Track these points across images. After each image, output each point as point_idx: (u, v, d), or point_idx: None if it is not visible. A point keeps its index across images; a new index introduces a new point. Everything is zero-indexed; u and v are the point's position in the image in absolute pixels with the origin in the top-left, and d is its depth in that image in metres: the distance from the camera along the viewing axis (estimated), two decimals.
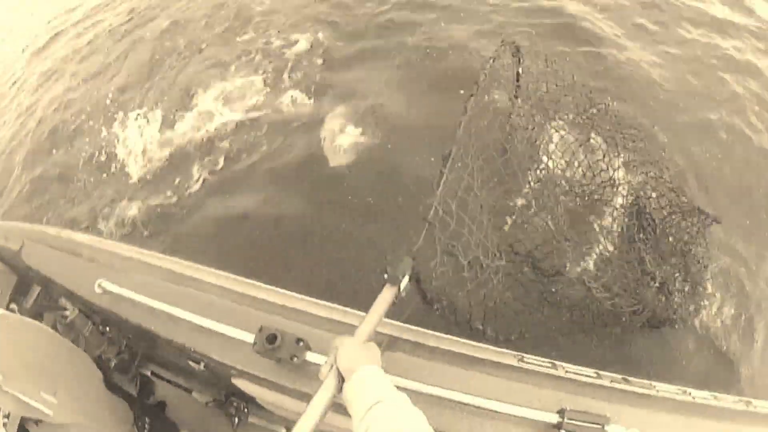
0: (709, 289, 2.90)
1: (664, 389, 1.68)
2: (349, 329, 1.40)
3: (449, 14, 5.00)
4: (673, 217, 2.41)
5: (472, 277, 1.66)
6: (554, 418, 1.43)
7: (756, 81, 4.46)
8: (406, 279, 1.45)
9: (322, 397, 1.22)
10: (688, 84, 4.35)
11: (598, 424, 1.42)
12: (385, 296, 1.44)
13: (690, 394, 1.70)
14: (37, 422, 1.64)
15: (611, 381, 1.65)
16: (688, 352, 2.74)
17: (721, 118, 4.05)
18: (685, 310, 2.45)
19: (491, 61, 2.18)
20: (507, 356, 1.63)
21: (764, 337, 2.90)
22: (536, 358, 1.66)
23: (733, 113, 4.11)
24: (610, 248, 2.46)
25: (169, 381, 2.29)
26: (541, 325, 2.14)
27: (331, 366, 1.26)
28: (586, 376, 1.64)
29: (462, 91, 3.69)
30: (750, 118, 4.10)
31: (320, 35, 5.07)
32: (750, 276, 3.10)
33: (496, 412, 1.44)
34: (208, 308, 1.70)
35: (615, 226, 2.52)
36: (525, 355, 1.65)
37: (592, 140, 2.36)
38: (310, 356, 1.47)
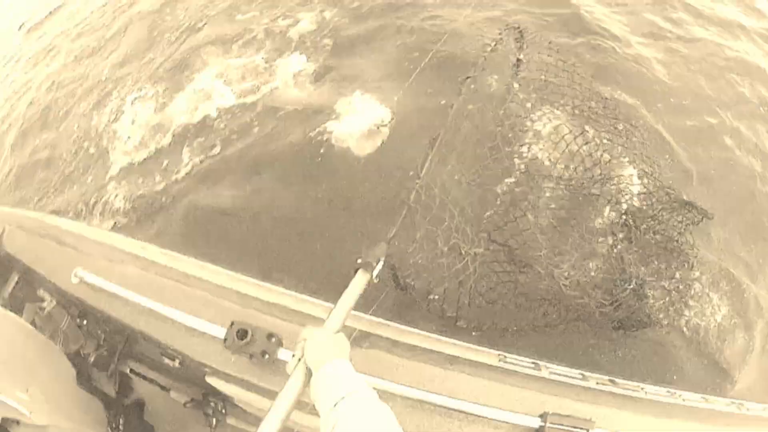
0: (699, 289, 2.83)
1: (653, 391, 1.64)
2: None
3: None
4: (663, 213, 2.35)
5: (450, 264, 1.61)
6: (536, 423, 1.38)
7: (764, 86, 4.35)
8: (380, 265, 1.40)
9: (289, 393, 1.17)
10: (695, 84, 4.24)
11: (582, 428, 1.37)
12: (357, 283, 1.38)
13: (680, 396, 1.66)
14: (17, 422, 1.57)
15: (597, 382, 1.60)
16: (679, 353, 2.68)
17: (727, 121, 3.96)
18: (670, 313, 2.40)
19: (493, 44, 2.13)
20: (487, 355, 1.57)
21: (760, 340, 2.83)
22: (518, 357, 1.61)
23: (739, 117, 4.02)
24: (590, 245, 2.40)
25: (149, 379, 2.24)
26: (515, 317, 2.10)
27: (299, 359, 1.21)
28: (571, 377, 1.59)
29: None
30: (756, 124, 4.01)
31: (326, 14, 4.93)
32: (748, 279, 3.03)
33: (474, 415, 1.39)
34: (183, 301, 1.64)
35: (599, 221, 2.46)
36: (507, 354, 1.60)
37: (587, 133, 2.28)
38: (282, 353, 1.42)
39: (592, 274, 2.20)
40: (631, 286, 2.10)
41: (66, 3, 6.82)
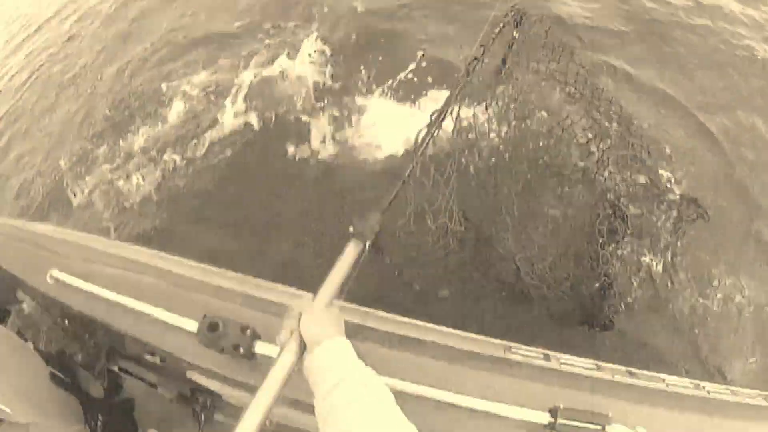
0: (683, 277, 2.67)
1: (675, 383, 1.52)
2: None
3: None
4: (661, 206, 2.27)
5: (434, 241, 1.51)
6: (545, 418, 1.26)
7: None
8: (373, 236, 1.30)
9: (283, 366, 1.07)
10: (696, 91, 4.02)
11: (597, 424, 1.24)
12: (349, 254, 1.28)
13: (704, 388, 1.54)
14: (1, 420, 1.54)
15: (614, 374, 1.47)
16: (658, 341, 2.53)
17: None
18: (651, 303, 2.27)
19: (501, 26, 2.08)
20: (492, 346, 1.46)
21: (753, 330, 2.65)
22: (526, 348, 1.49)
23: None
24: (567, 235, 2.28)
25: (137, 377, 2.17)
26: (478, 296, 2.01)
27: (292, 332, 1.12)
28: (585, 368, 1.46)
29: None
30: None
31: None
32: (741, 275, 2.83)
33: (478, 411, 1.27)
34: (157, 296, 1.57)
35: (582, 213, 2.34)
36: (513, 344, 1.48)
37: (582, 120, 2.17)
38: (259, 346, 1.32)
39: (556, 264, 2.07)
40: (597, 285, 2.00)
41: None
